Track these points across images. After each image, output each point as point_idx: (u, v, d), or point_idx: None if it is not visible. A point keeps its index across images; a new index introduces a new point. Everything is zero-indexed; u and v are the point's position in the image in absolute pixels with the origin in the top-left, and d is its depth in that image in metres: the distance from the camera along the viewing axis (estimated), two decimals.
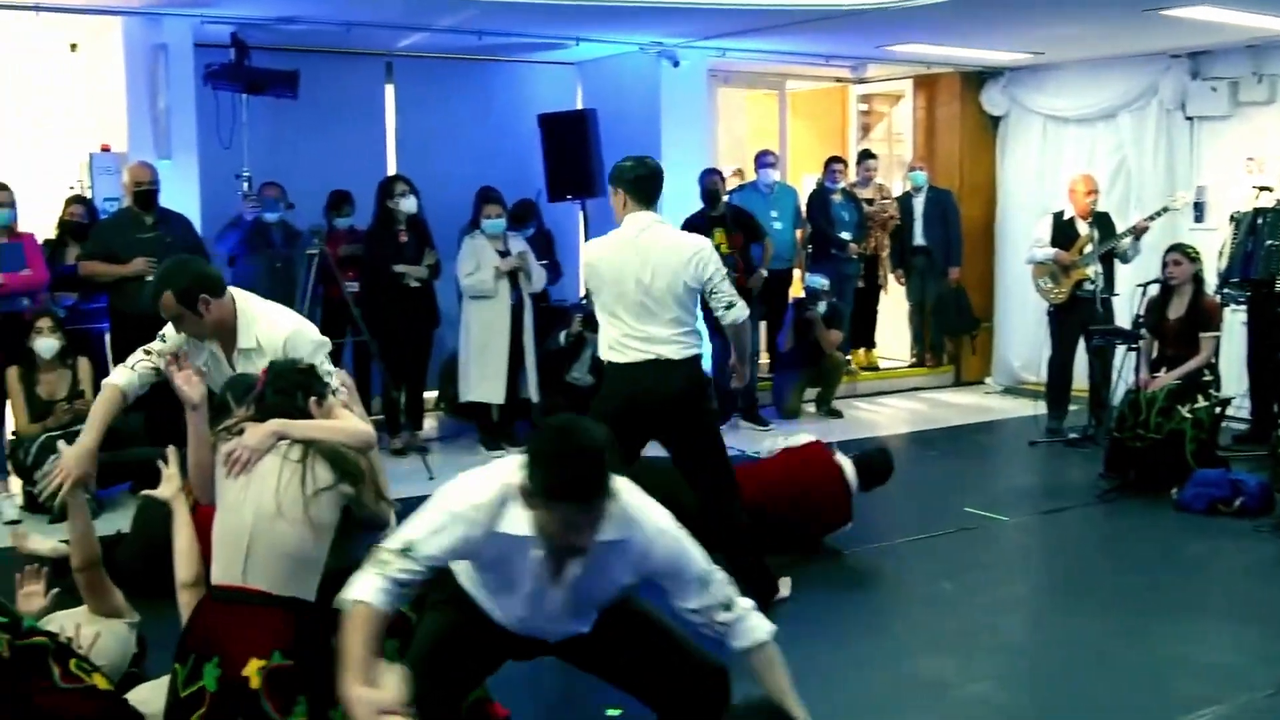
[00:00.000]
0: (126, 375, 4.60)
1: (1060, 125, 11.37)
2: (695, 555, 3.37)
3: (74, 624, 4.09)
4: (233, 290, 4.66)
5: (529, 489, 3.12)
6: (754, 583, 4.98)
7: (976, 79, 11.82)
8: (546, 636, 3.61)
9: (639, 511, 3.33)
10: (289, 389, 3.85)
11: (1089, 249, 9.09)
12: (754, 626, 3.39)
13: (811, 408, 10.58)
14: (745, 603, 3.41)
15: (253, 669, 3.40)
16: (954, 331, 11.71)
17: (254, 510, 3.58)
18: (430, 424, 9.73)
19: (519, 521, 3.21)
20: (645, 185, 5.59)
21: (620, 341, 5.48)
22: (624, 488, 3.26)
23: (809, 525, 6.47)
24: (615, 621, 3.57)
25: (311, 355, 4.41)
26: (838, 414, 10.46)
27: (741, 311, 5.51)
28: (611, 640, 3.59)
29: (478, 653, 3.62)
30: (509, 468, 3.27)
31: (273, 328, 4.55)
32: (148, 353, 4.61)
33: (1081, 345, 9.24)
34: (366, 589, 3.16)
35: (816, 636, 5.32)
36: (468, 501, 3.25)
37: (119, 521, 7.09)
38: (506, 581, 3.40)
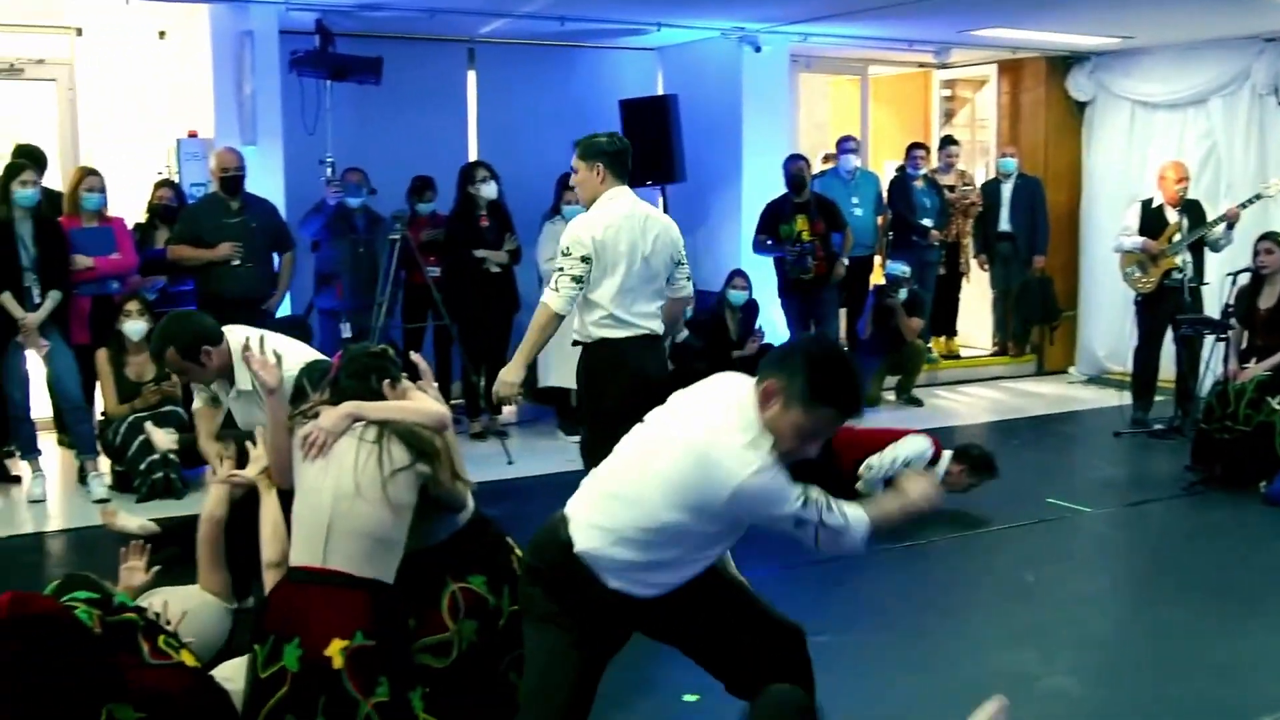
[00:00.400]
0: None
1: (1149, 111, 11.18)
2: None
3: (161, 601, 4.16)
4: (229, 333, 4.73)
5: (789, 391, 3.12)
6: None
7: (1062, 64, 11.66)
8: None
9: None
10: (362, 372, 3.88)
11: (1178, 237, 8.93)
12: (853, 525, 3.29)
13: (891, 395, 10.51)
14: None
15: (335, 649, 3.44)
16: (1037, 320, 11.57)
17: (333, 492, 3.62)
18: (509, 408, 9.77)
19: None
20: (623, 159, 5.62)
21: (615, 317, 5.42)
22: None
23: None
24: (708, 591, 3.49)
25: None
26: (918, 402, 10.37)
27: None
28: (703, 607, 3.51)
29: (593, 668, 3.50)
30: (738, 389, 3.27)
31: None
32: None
33: (1169, 335, 9.09)
34: None
35: (896, 626, 5.29)
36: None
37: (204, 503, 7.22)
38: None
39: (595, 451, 3.90)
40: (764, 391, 3.17)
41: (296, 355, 4.60)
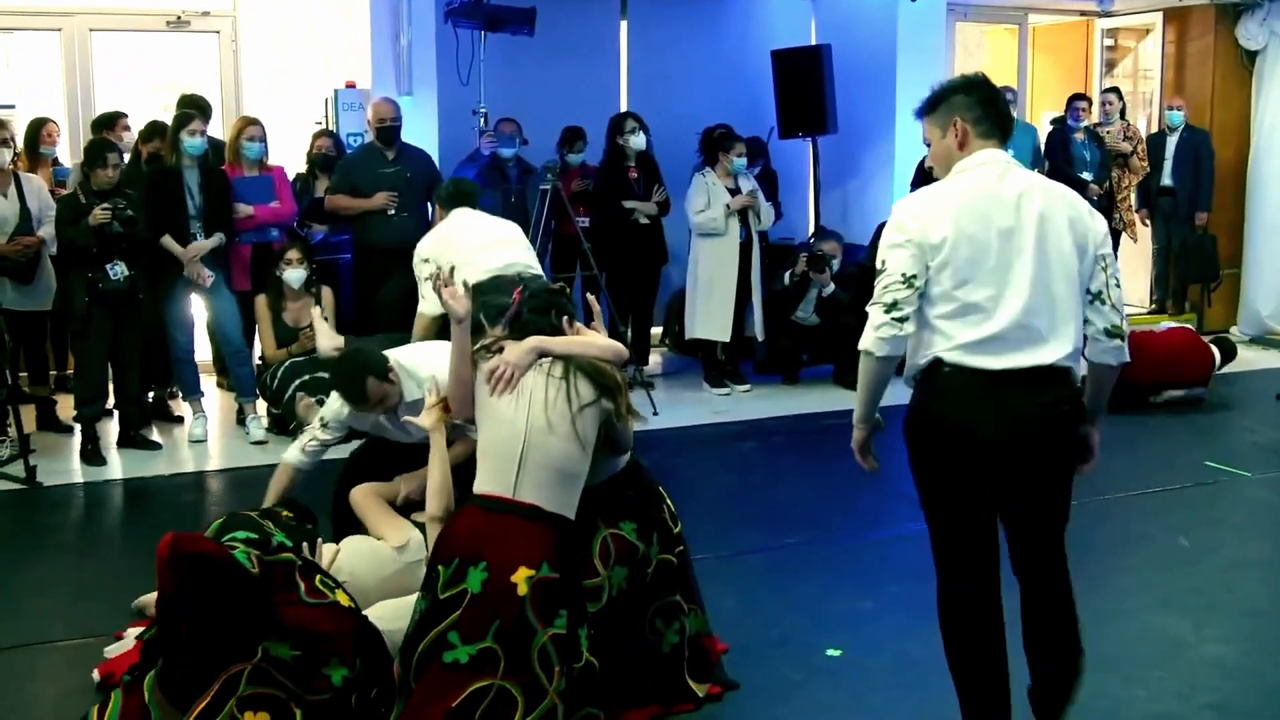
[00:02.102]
0: (298, 456, 4.80)
1: None
2: None
3: (333, 550, 4.28)
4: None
5: None
6: None
7: (1232, 11, 11.23)
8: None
9: None
10: (544, 307, 3.93)
11: None
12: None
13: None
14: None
15: (521, 577, 3.52)
16: (1196, 278, 11.23)
17: (525, 426, 3.67)
18: (655, 360, 9.82)
19: None
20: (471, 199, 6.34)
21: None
22: None
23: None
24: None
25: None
26: None
27: None
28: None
29: None
30: None
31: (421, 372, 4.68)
32: (323, 426, 4.80)
33: None
34: None
35: None
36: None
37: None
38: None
39: None
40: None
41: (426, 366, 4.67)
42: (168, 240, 7.24)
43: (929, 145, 3.72)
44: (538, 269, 6.07)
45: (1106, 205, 10.94)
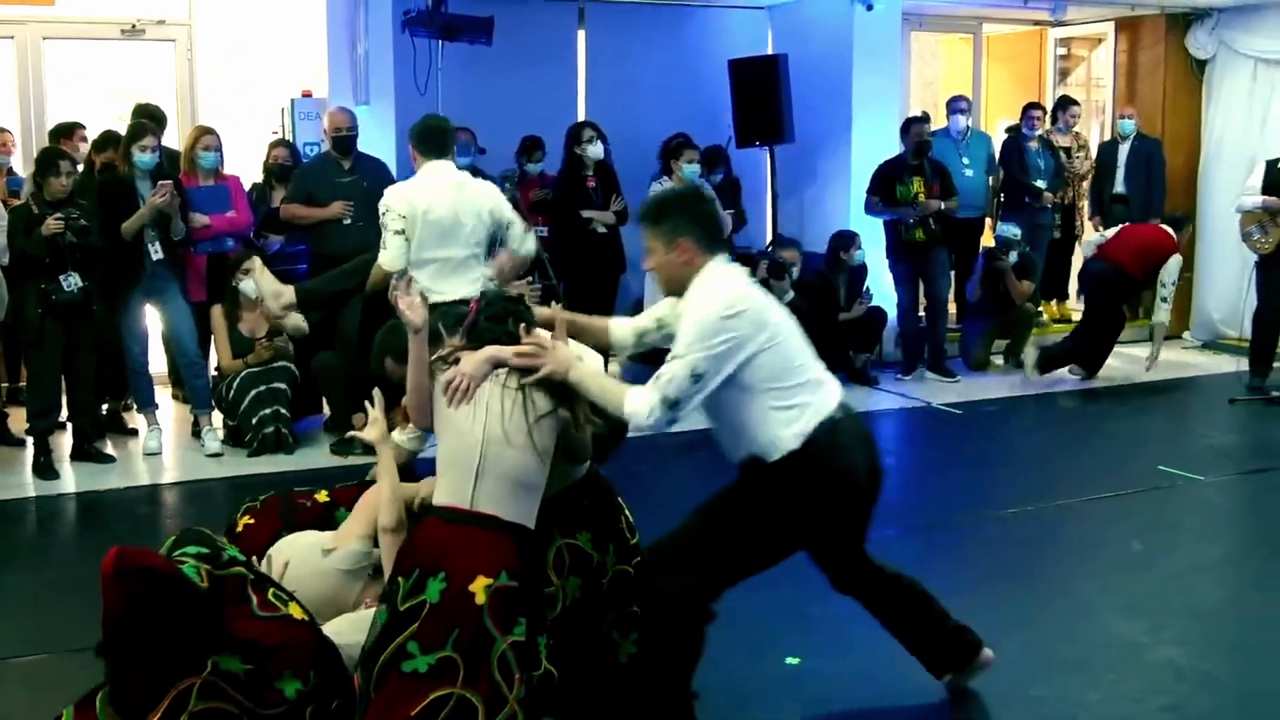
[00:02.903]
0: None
1: (1272, 69, 10.85)
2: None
3: (283, 560, 4.24)
4: None
5: None
6: None
7: (1182, 21, 11.36)
8: None
9: None
10: (500, 315, 3.91)
11: None
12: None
13: (1000, 360, 10.37)
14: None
15: (479, 586, 3.49)
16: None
17: (482, 437, 3.65)
18: (614, 369, 9.78)
19: None
20: (429, 136, 6.41)
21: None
22: None
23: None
24: None
25: None
26: None
27: None
28: None
29: None
30: None
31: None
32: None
33: None
34: None
35: (1003, 592, 5.25)
36: None
37: (314, 457, 7.38)
38: None
39: None
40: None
41: None
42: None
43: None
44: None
45: (1067, 214, 11.04)
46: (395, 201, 6.17)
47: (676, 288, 3.89)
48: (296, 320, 6.79)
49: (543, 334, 3.95)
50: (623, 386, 3.81)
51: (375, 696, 3.51)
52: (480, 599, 3.48)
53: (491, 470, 3.63)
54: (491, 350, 3.77)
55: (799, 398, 3.80)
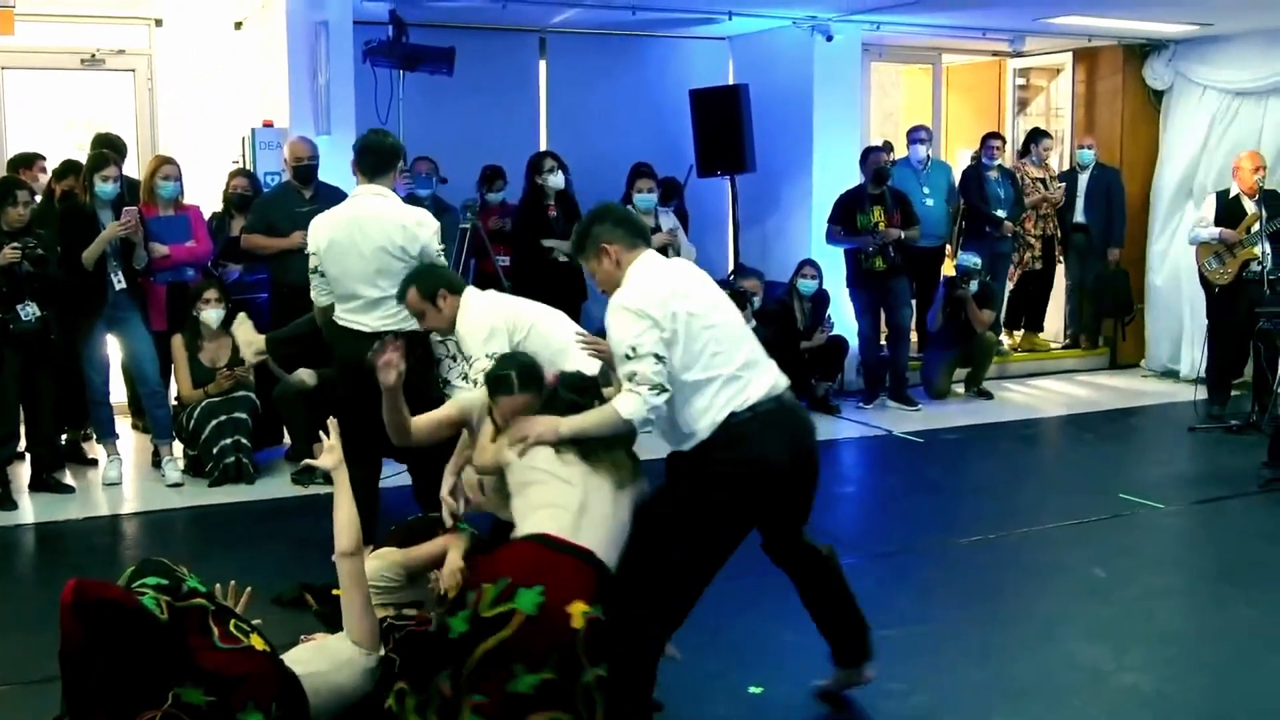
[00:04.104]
0: (323, 296, 5.72)
1: (1229, 99, 10.98)
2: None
3: (246, 594, 4.21)
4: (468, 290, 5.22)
5: None
6: None
7: (1139, 52, 11.49)
8: None
9: None
10: (581, 388, 4.18)
11: (1256, 227, 8.80)
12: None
13: (961, 388, 10.42)
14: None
15: (577, 610, 3.56)
16: (1110, 313, 11.43)
17: (583, 484, 3.84)
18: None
19: None
20: (369, 156, 5.85)
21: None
22: None
23: None
24: None
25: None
26: (988, 395, 10.28)
27: None
28: None
29: None
30: None
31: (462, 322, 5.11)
32: (314, 271, 5.70)
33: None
34: None
35: (966, 619, 5.26)
36: None
37: (276, 487, 7.33)
38: None
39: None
40: None
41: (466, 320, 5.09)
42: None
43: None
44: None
45: (1044, 246, 11.09)
46: (310, 233, 5.80)
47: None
48: (303, 376, 7.11)
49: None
50: (607, 406, 3.93)
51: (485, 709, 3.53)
52: (578, 623, 3.55)
53: (594, 511, 3.81)
54: (567, 426, 3.95)
55: (715, 387, 3.89)
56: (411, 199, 8.48)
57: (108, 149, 7.66)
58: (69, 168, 7.86)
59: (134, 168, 8.66)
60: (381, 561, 4.46)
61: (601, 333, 4.12)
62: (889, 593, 5.32)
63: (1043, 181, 11.00)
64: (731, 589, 4.85)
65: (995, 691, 4.57)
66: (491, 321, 5.09)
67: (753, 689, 4.53)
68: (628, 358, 3.82)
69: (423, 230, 5.66)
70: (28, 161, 8.02)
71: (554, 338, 5.12)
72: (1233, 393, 9.30)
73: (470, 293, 5.22)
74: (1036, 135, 11.33)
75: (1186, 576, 6.17)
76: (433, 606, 4.38)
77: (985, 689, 4.57)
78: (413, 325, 5.35)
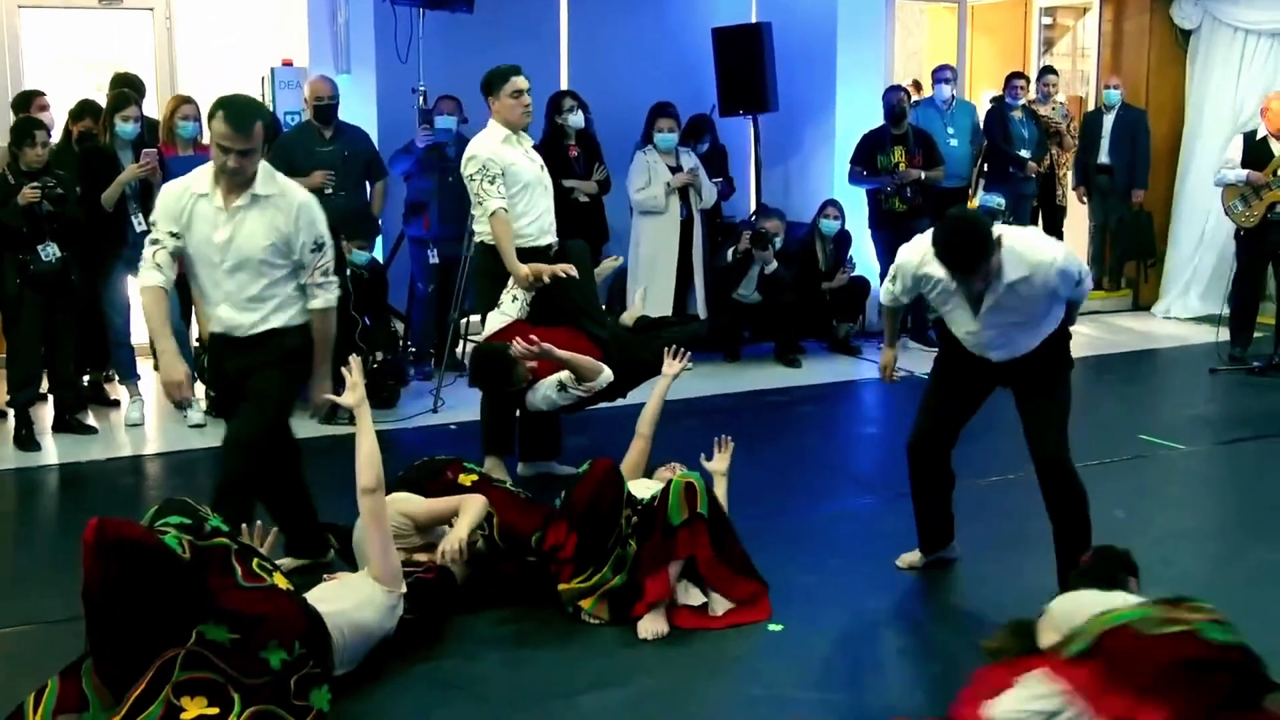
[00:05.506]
0: (156, 274, 4.71)
1: (1257, 39, 10.84)
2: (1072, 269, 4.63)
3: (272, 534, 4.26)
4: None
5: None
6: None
7: None
8: (989, 355, 4.81)
9: (1031, 254, 4.49)
10: None
11: None
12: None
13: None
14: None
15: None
16: (1134, 255, 11.35)
17: None
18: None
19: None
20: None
21: None
22: (1012, 238, 4.49)
23: None
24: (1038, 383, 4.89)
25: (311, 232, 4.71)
26: None
27: None
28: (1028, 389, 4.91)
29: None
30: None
31: (296, 192, 4.75)
32: (155, 242, 4.71)
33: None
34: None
35: (983, 559, 5.27)
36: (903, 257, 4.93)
37: (297, 427, 7.34)
38: (951, 311, 4.81)
39: None
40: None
41: (309, 195, 4.83)
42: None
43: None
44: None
45: (1047, 182, 11.03)
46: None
47: None
48: None
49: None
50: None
51: None
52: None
53: None
54: None
55: None
56: (433, 148, 8.43)
57: (128, 89, 7.64)
58: (85, 108, 7.83)
59: (153, 108, 8.63)
60: (390, 509, 4.48)
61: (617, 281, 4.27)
62: (908, 533, 5.33)
63: (1045, 120, 10.91)
64: (745, 530, 4.89)
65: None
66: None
67: (772, 627, 4.56)
68: (1079, 282, 4.75)
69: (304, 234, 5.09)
70: (25, 102, 7.98)
71: None
72: (1255, 334, 9.24)
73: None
74: (1042, 72, 11.23)
75: (1205, 518, 6.16)
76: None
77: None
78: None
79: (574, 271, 5.98)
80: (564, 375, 5.46)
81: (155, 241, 4.71)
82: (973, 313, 4.66)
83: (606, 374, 5.51)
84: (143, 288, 4.78)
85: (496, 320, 5.84)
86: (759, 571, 4.73)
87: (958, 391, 5.00)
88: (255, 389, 4.74)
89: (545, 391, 5.50)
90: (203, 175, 4.68)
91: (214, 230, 4.63)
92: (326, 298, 4.84)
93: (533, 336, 5.33)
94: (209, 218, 4.64)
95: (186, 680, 3.40)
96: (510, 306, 5.92)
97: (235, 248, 4.64)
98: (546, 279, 5.93)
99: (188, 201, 4.65)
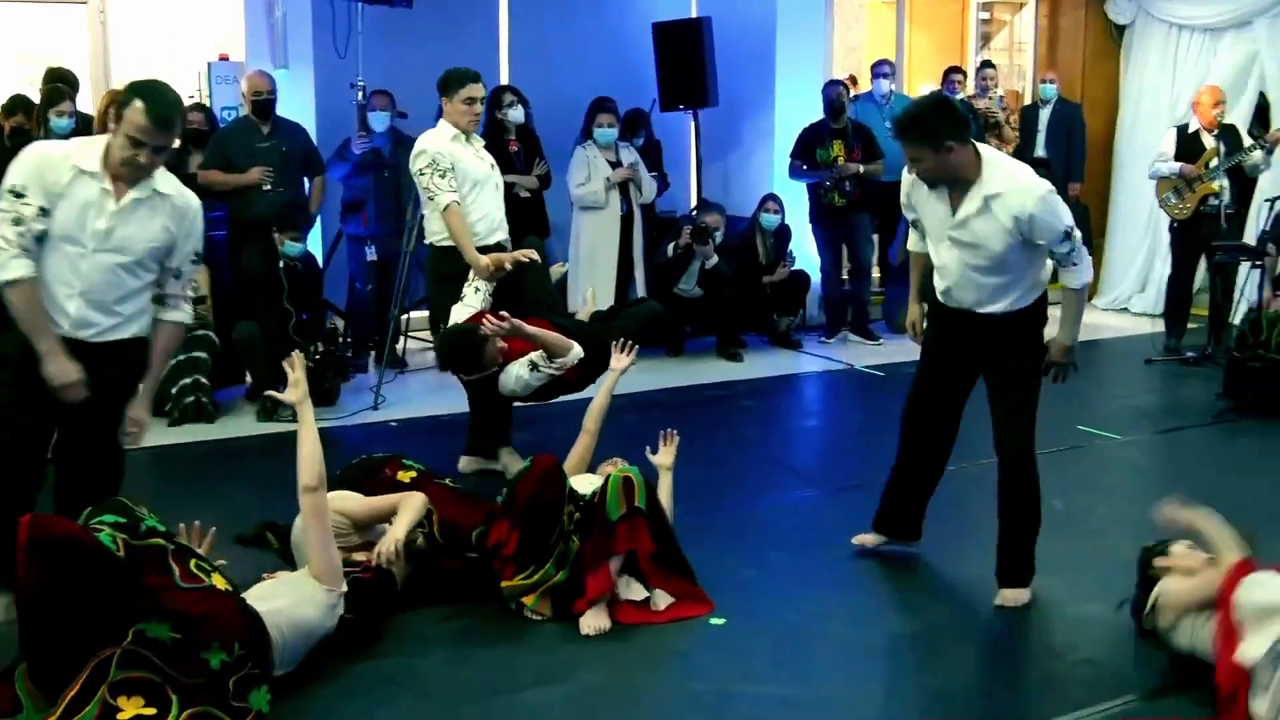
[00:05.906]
0: (25, 262, 4.14)
1: (1190, 34, 10.98)
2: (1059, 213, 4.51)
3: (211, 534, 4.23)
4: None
5: None
6: None
7: None
8: (960, 300, 4.88)
9: (1018, 173, 4.59)
10: None
11: (1214, 162, 8.83)
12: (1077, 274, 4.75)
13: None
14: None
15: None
16: None
17: None
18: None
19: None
20: None
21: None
22: (1000, 156, 4.71)
23: None
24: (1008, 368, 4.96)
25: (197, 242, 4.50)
26: None
27: None
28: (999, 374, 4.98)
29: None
30: None
31: (191, 197, 4.46)
32: (18, 221, 4.11)
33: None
34: None
35: (927, 552, 5.30)
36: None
37: (236, 426, 7.29)
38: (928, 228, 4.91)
39: None
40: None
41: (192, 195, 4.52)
42: None
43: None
44: None
45: None
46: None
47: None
48: None
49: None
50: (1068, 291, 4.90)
51: None
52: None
53: None
54: None
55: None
56: (369, 154, 8.38)
57: (62, 84, 7.54)
58: (17, 103, 7.73)
59: (87, 103, 8.53)
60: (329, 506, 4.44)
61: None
62: (849, 527, 5.36)
63: (986, 111, 10.99)
64: (686, 525, 4.90)
65: (949, 625, 4.63)
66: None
67: (714, 621, 4.57)
68: (1068, 235, 4.52)
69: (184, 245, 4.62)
70: None
71: None
72: (1189, 325, 9.37)
73: None
74: (981, 66, 11.33)
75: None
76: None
77: (938, 622, 4.63)
78: None
79: (535, 255, 6.00)
80: (535, 354, 5.47)
81: (18, 221, 4.12)
82: (947, 228, 4.69)
83: (577, 350, 5.55)
84: (9, 281, 4.14)
85: (461, 312, 5.84)
86: (693, 569, 4.74)
87: (943, 367, 5.08)
88: (109, 408, 4.36)
89: (517, 372, 5.52)
90: (89, 151, 4.20)
91: (94, 216, 4.16)
92: (186, 312, 4.55)
93: (503, 313, 5.39)
94: (91, 201, 4.16)
95: (123, 680, 3.37)
96: (473, 298, 5.94)
97: (116, 240, 4.20)
98: (509, 266, 5.94)
99: (67, 175, 4.15)
